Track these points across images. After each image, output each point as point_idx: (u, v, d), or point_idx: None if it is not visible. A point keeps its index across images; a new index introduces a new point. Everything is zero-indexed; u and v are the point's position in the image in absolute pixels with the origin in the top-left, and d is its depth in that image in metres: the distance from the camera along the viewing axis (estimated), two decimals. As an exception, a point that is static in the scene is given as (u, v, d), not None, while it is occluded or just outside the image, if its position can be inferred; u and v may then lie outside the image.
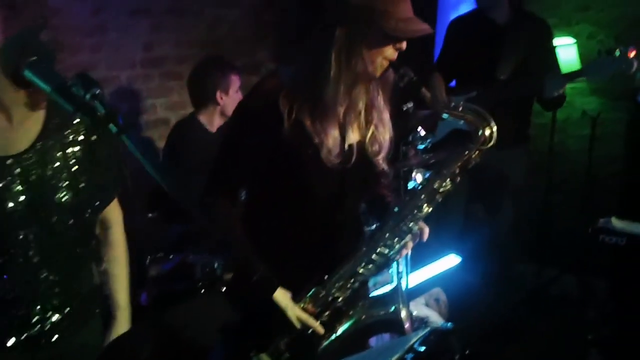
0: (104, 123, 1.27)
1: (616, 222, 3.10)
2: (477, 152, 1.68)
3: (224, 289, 1.95)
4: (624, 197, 3.83)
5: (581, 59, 3.95)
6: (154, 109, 3.57)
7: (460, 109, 1.68)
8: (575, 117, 4.09)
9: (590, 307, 3.66)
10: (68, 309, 1.63)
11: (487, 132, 1.66)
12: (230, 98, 2.93)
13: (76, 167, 1.59)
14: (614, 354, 3.20)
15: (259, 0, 3.94)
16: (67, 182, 1.57)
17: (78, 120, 1.60)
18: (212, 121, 2.98)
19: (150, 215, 2.72)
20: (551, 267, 4.04)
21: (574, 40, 3.95)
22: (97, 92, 1.28)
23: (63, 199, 1.56)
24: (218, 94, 2.92)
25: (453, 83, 3.52)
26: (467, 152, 1.68)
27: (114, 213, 1.77)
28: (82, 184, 1.60)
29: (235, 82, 2.96)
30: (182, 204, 1.44)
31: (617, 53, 2.99)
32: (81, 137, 1.61)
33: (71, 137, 1.60)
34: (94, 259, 1.74)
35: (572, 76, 3.20)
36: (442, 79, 3.35)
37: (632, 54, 2.97)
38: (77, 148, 1.60)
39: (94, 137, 1.62)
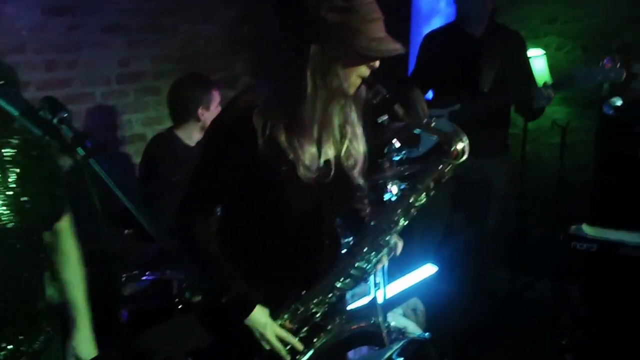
0: (72, 147, 1.26)
1: (587, 229, 3.16)
2: (450, 166, 1.71)
3: (199, 308, 1.95)
4: (594, 204, 3.91)
5: (550, 70, 4.05)
6: (130, 124, 3.58)
7: (433, 124, 1.71)
8: (545, 126, 4.18)
9: (564, 313, 3.73)
10: (22, 337, 1.55)
11: (460, 146, 1.69)
12: (211, 113, 2.95)
13: (18, 188, 1.50)
14: (587, 358, 3.25)
15: (235, 15, 3.97)
16: (8, 206, 1.47)
17: (17, 138, 1.51)
18: (191, 135, 3.00)
19: (126, 231, 2.72)
20: (526, 273, 4.11)
21: (543, 52, 4.05)
22: (65, 115, 1.28)
23: (8, 225, 1.47)
24: (200, 110, 2.94)
25: (428, 95, 3.57)
26: (440, 167, 1.71)
27: (63, 221, 1.72)
28: (27, 205, 1.51)
29: (216, 97, 2.99)
30: (148, 228, 1.43)
31: (605, 62, 3.04)
32: (20, 156, 1.51)
33: (10, 154, 1.50)
34: (48, 273, 1.68)
35: (561, 86, 3.25)
36: (421, 93, 3.41)
37: (616, 64, 3.02)
38: (17, 169, 1.51)
39: (34, 153, 1.54)
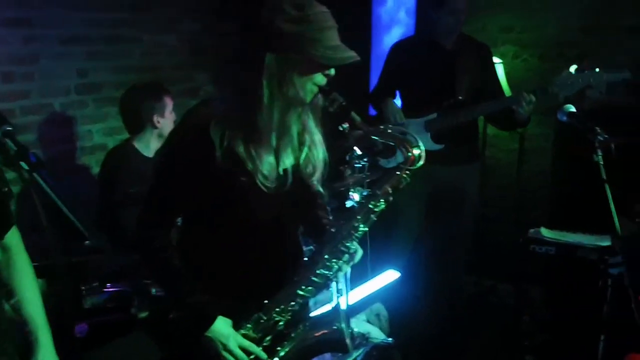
0: (16, 161, 1.25)
1: (545, 232, 3.23)
2: (406, 172, 1.73)
3: (160, 321, 1.93)
4: (552, 208, 4.01)
5: (507, 78, 4.14)
6: (90, 135, 3.54)
7: (389, 131, 1.73)
8: (504, 133, 4.27)
9: (525, 315, 3.80)
10: None
11: (416, 152, 1.71)
12: (166, 120, 2.95)
13: None
14: (548, 358, 3.32)
15: (197, 26, 3.97)
16: None
17: None
18: (149, 145, 2.98)
19: (86, 242, 2.68)
20: (488, 277, 4.17)
21: (501, 60, 4.14)
22: (9, 129, 1.25)
23: None
24: (155, 118, 2.93)
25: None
26: (397, 173, 1.73)
27: (11, 237, 1.65)
28: None
29: (169, 103, 2.98)
30: (92, 241, 1.41)
31: (584, 67, 3.04)
32: None
33: None
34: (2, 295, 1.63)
35: (538, 93, 3.21)
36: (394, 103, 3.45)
37: (594, 68, 3.02)
38: None
39: None
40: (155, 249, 1.72)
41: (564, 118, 2.35)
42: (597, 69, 3.01)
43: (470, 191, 3.57)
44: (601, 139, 2.16)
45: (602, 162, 2.16)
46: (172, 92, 3.06)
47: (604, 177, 2.16)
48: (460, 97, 3.36)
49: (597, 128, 2.21)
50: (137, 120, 2.96)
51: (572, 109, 2.35)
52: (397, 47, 3.60)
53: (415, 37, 3.67)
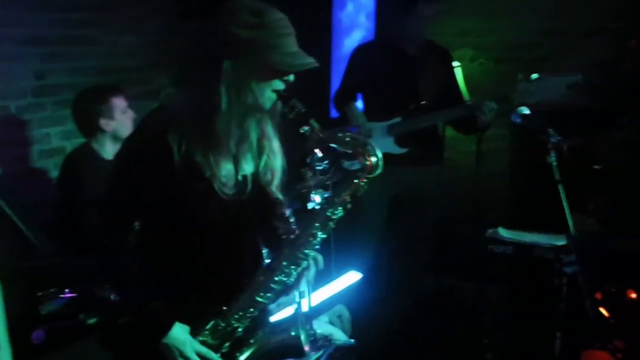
0: None
1: (503, 232, 3.30)
2: (364, 180, 1.73)
3: (111, 326, 1.91)
4: (510, 208, 4.09)
5: (465, 81, 4.21)
6: (48, 138, 3.48)
7: (347, 139, 1.73)
8: (462, 135, 4.34)
9: (485, 313, 3.87)
10: None
11: (373, 160, 1.71)
12: (118, 121, 2.91)
13: None
14: (508, 356, 3.38)
15: (159, 28, 3.93)
16: None
17: None
18: (105, 148, 2.95)
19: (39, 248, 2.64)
20: (448, 277, 4.23)
21: (458, 63, 4.20)
22: None
23: None
24: (102, 122, 2.90)
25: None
26: (355, 181, 1.73)
27: None
28: None
29: (118, 104, 2.93)
30: (39, 247, 1.39)
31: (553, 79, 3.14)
32: None
33: None
34: None
35: (501, 100, 3.28)
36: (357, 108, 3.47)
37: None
38: None
39: None
40: (112, 254, 1.70)
41: (518, 120, 2.41)
42: (555, 77, 3.11)
43: (431, 193, 3.63)
44: (554, 140, 2.22)
45: (555, 163, 2.22)
46: (132, 93, 3.03)
47: (557, 177, 2.22)
48: (423, 102, 3.40)
49: (550, 129, 2.26)
50: (87, 125, 2.93)
51: (526, 111, 2.41)
52: (360, 50, 3.61)
53: (378, 41, 3.71)
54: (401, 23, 3.38)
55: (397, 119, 3.40)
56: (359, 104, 3.62)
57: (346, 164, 3.05)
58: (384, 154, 1.70)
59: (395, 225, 3.71)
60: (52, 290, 2.32)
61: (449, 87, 3.53)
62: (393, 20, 3.47)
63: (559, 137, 2.24)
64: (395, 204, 3.59)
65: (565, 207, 2.22)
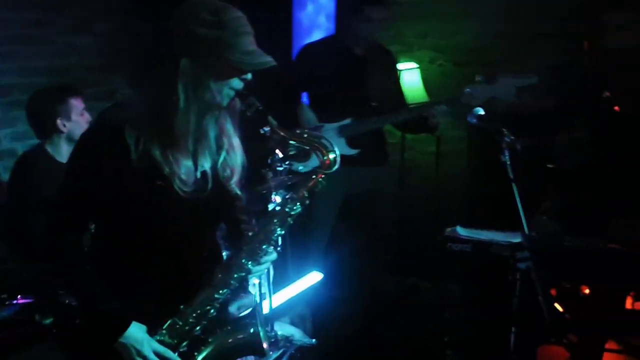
0: None
1: (461, 230, 3.34)
2: (322, 176, 1.75)
3: (67, 327, 1.88)
4: (468, 207, 4.15)
5: (424, 82, 4.26)
6: (-3, 140, 3.41)
7: (305, 136, 1.75)
8: (421, 136, 4.38)
9: (445, 311, 3.91)
10: None
11: (331, 156, 1.73)
12: (75, 122, 2.85)
13: None
14: (467, 353, 3.42)
15: (112, 27, 3.88)
16: None
17: None
18: (60, 150, 2.88)
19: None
20: (409, 276, 4.27)
21: (417, 65, 4.25)
22: None
23: None
24: (59, 122, 2.83)
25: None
26: (313, 177, 1.75)
27: None
28: None
29: (76, 105, 2.87)
30: None
31: (497, 80, 3.17)
32: None
33: None
34: None
35: (450, 102, 3.32)
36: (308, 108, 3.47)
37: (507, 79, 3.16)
38: None
39: None
40: (66, 255, 1.68)
41: (474, 120, 2.45)
42: (505, 78, 3.15)
43: (385, 192, 3.66)
44: (508, 140, 2.26)
45: (509, 162, 2.26)
46: (85, 94, 2.97)
47: (511, 176, 2.26)
48: (373, 104, 3.44)
49: (504, 130, 2.30)
50: (43, 126, 2.86)
51: (481, 111, 2.45)
52: (308, 49, 3.62)
53: (326, 40, 3.71)
54: (352, 24, 3.41)
55: (347, 121, 3.41)
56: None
57: (296, 165, 3.05)
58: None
59: (352, 225, 3.73)
60: (3, 296, 2.26)
61: (395, 89, 3.58)
62: (344, 21, 3.49)
63: (512, 137, 2.28)
64: (350, 204, 3.61)
65: (518, 206, 2.26)
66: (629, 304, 3.54)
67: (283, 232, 1.78)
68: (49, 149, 2.88)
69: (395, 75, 3.65)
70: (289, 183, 2.88)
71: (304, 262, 3.21)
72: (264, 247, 1.76)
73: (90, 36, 3.77)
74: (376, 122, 3.40)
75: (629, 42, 4.01)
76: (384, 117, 3.40)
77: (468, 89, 3.17)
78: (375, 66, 3.47)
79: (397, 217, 4.32)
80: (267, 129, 1.72)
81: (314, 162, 3.21)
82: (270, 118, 1.69)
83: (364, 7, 3.33)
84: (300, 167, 3.02)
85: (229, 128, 1.76)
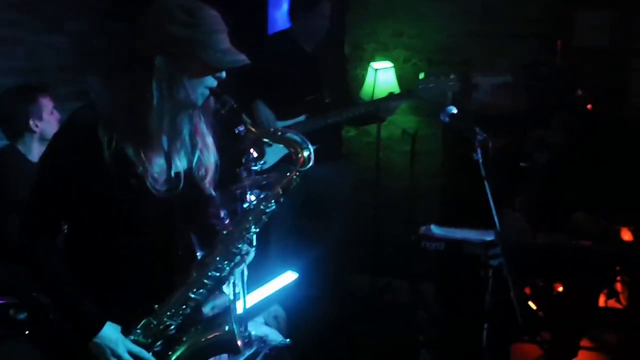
0: None
1: (435, 229, 3.36)
2: (296, 173, 1.76)
3: (44, 329, 1.86)
4: (443, 205, 4.19)
5: (399, 81, 4.29)
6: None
7: (279, 133, 1.76)
8: (397, 135, 4.42)
9: (419, 310, 3.94)
10: None
11: (306, 154, 1.74)
12: (46, 122, 2.82)
13: None
14: (442, 351, 3.45)
15: (85, 27, 3.83)
16: None
17: None
18: (31, 150, 2.85)
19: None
20: (384, 275, 4.29)
21: (392, 64, 4.28)
22: None
23: None
24: (32, 122, 2.80)
25: None
26: (288, 174, 1.76)
27: None
28: None
29: (46, 104, 2.85)
30: None
31: (445, 75, 3.27)
32: None
33: None
34: None
35: (405, 96, 3.47)
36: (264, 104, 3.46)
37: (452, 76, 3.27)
38: None
39: None
40: (39, 256, 1.66)
41: (446, 119, 2.46)
42: (452, 75, 3.24)
43: (342, 188, 3.68)
44: (480, 138, 2.27)
45: (481, 160, 2.27)
46: (58, 94, 2.94)
47: (484, 174, 2.28)
48: (327, 100, 3.48)
49: (476, 128, 2.32)
50: (13, 126, 2.83)
51: (454, 110, 2.46)
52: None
53: (275, 37, 3.72)
54: (307, 20, 3.43)
55: (302, 118, 3.42)
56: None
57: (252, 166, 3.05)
58: (288, 155, 1.73)
59: (316, 223, 3.75)
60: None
61: (344, 84, 3.62)
62: (298, 16, 3.49)
63: (484, 135, 2.30)
64: (309, 202, 3.62)
65: (491, 203, 2.28)
66: (602, 301, 3.61)
67: (257, 230, 1.78)
68: (20, 148, 2.84)
69: (344, 71, 3.69)
70: (264, 182, 2.89)
71: (263, 262, 3.20)
72: (239, 245, 1.76)
73: (64, 36, 3.72)
74: (332, 118, 3.41)
75: (600, 42, 4.09)
76: (339, 112, 3.41)
77: (421, 84, 3.27)
78: (325, 62, 3.51)
79: (372, 216, 4.36)
80: (241, 128, 1.72)
81: (270, 158, 3.24)
82: (244, 116, 1.70)
83: (319, 3, 3.36)
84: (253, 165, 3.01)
85: (203, 127, 1.76)
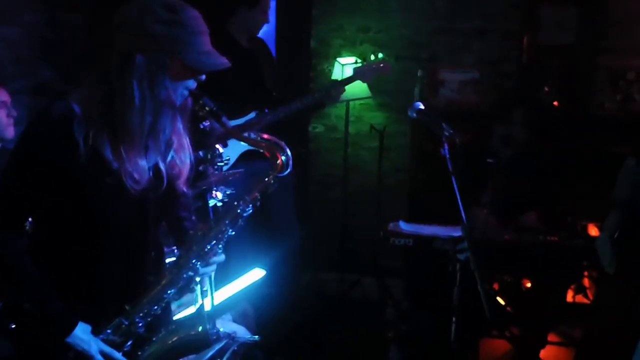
0: None
1: (404, 225, 3.36)
2: (274, 178, 1.75)
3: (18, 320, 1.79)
4: (411, 202, 4.19)
5: (366, 77, 4.27)
6: None
7: (258, 138, 1.74)
8: (365, 131, 4.41)
9: (388, 307, 3.94)
10: None
11: (284, 158, 1.73)
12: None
13: None
14: (411, 347, 3.46)
15: (41, 19, 3.71)
16: None
17: None
18: None
19: None
20: (352, 272, 4.28)
21: (359, 60, 4.25)
22: None
23: None
24: None
25: None
26: (266, 179, 1.75)
27: None
28: None
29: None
30: None
31: (379, 58, 3.57)
32: None
33: None
34: None
35: (347, 81, 3.56)
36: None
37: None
38: None
39: None
40: (7, 255, 1.61)
41: (414, 115, 2.45)
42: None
43: (288, 182, 3.64)
44: (447, 133, 2.27)
45: (448, 156, 2.27)
46: (11, 88, 2.85)
47: (451, 169, 2.27)
48: (274, 94, 3.50)
49: (443, 123, 2.32)
50: None
51: (421, 106, 2.46)
52: None
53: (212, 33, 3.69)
54: (247, 15, 3.41)
55: (252, 115, 3.39)
56: None
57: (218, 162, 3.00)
58: (247, 152, 1.71)
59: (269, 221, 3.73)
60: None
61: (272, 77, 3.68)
62: (237, 11, 3.45)
63: (451, 131, 2.30)
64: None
65: (458, 199, 2.27)
66: (570, 296, 3.66)
67: (233, 233, 1.77)
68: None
69: (273, 64, 3.70)
70: (230, 178, 2.84)
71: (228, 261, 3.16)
72: (213, 247, 1.76)
73: (17, 28, 3.60)
74: (282, 112, 3.39)
75: (566, 38, 4.14)
76: (289, 105, 3.40)
77: (357, 69, 3.55)
78: (261, 56, 3.55)
79: (340, 212, 4.34)
80: (206, 123, 1.69)
81: (231, 155, 3.20)
82: (224, 119, 1.69)
83: None
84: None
85: (180, 127, 1.75)
